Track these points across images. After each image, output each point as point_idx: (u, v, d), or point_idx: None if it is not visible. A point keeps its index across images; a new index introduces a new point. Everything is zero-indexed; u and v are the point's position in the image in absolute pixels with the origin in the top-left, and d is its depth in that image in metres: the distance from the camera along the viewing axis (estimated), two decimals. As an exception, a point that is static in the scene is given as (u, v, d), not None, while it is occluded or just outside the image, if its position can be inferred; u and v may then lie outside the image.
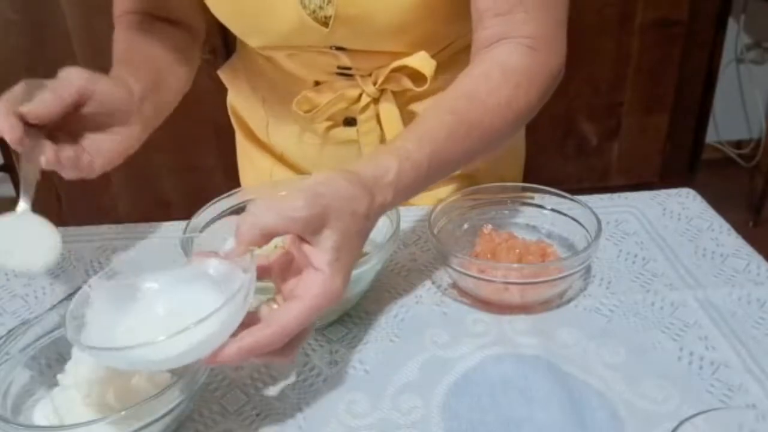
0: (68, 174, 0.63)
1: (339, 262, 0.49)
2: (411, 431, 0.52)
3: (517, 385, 0.55)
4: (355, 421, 0.53)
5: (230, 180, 0.92)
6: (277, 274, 0.52)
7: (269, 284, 0.52)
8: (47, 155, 0.59)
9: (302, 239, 0.49)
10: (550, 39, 0.64)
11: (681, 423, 0.43)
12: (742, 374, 0.56)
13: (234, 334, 0.47)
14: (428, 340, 0.61)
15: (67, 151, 0.61)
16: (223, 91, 0.93)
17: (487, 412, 0.53)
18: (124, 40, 0.75)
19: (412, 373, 0.58)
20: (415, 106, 0.79)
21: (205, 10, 0.76)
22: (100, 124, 0.64)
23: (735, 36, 2.49)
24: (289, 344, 0.49)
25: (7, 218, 0.55)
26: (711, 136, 2.63)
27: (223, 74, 0.90)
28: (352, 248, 0.51)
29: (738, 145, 2.73)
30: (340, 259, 0.49)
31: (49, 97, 0.58)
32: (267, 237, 0.49)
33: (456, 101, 0.61)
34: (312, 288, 0.48)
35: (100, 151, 0.64)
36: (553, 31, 0.65)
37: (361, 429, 0.53)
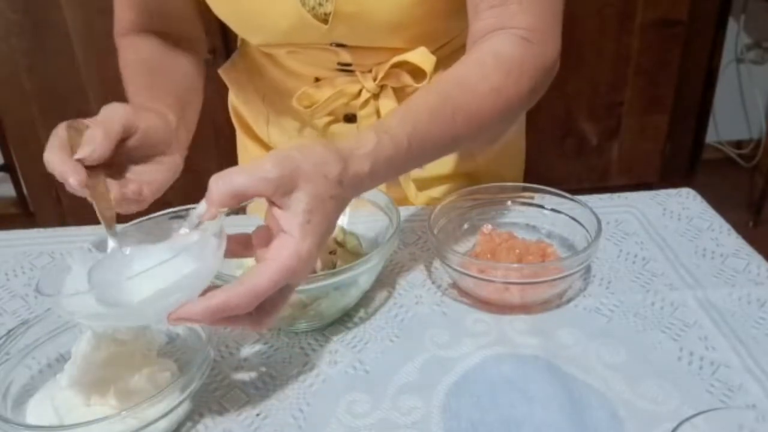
0: (125, 209, 0.62)
1: (310, 225, 0.49)
2: (411, 431, 0.52)
3: (517, 385, 0.55)
4: (355, 421, 0.53)
5: (230, 180, 0.92)
6: (257, 248, 0.52)
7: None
8: (114, 192, 0.59)
9: (273, 203, 0.49)
10: (544, 31, 0.64)
11: (681, 423, 0.43)
12: (742, 374, 0.56)
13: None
14: (428, 340, 0.61)
15: (131, 186, 0.61)
16: (222, 91, 0.93)
17: (487, 412, 0.53)
18: (139, 61, 0.76)
19: (412, 373, 0.58)
20: None
21: (203, 21, 0.76)
22: (145, 155, 0.65)
23: (735, 36, 2.49)
24: (262, 310, 0.49)
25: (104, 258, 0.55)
26: (711, 136, 2.63)
27: (223, 73, 0.90)
28: (326, 212, 0.50)
29: (738, 145, 2.73)
30: (312, 221, 0.49)
31: (99, 136, 0.58)
32: (237, 198, 0.48)
33: (445, 84, 0.61)
34: (282, 250, 0.48)
35: (149, 182, 0.64)
36: (547, 23, 0.65)
37: (361, 429, 0.53)
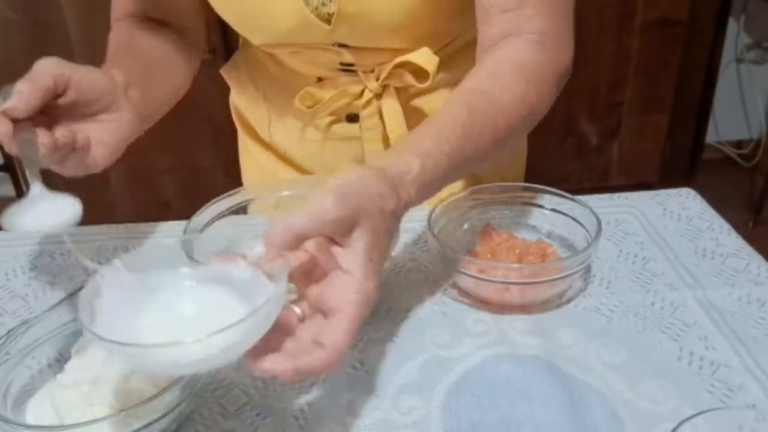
0: (72, 169, 0.61)
1: (372, 263, 0.47)
2: (411, 431, 0.52)
3: (517, 385, 0.55)
4: (355, 421, 0.53)
5: (230, 180, 0.92)
6: (299, 278, 0.48)
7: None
8: (43, 139, 0.57)
9: (333, 241, 0.48)
10: (558, 34, 0.64)
11: (681, 423, 0.43)
12: (742, 374, 0.56)
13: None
14: (428, 340, 0.61)
15: (60, 131, 0.59)
16: (222, 91, 0.93)
17: (487, 412, 0.53)
18: (115, 39, 0.75)
19: (412, 373, 0.58)
20: (418, 102, 0.79)
21: (205, 14, 0.75)
22: (87, 112, 0.63)
23: (735, 36, 2.49)
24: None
25: (27, 199, 0.54)
26: (711, 136, 2.63)
27: (225, 73, 0.90)
28: (382, 248, 0.49)
29: (738, 145, 2.73)
30: (373, 259, 0.47)
31: (25, 88, 0.56)
32: (299, 240, 0.46)
33: (470, 97, 0.61)
34: (348, 294, 0.46)
35: (98, 142, 0.62)
36: (561, 26, 0.64)
37: (361, 429, 0.53)
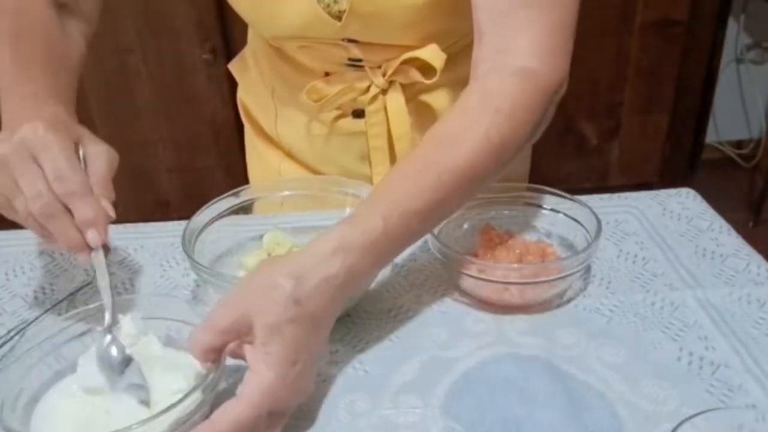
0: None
1: (269, 356, 0.48)
2: (411, 431, 0.52)
3: (517, 385, 0.55)
4: (355, 421, 0.53)
5: (230, 180, 0.92)
6: None
7: None
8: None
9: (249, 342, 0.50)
10: (551, 50, 0.60)
11: (681, 423, 0.43)
12: (742, 374, 0.56)
13: None
14: (428, 340, 0.61)
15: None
16: (223, 91, 0.94)
17: (487, 412, 0.53)
18: (42, 43, 0.68)
19: (412, 373, 0.58)
20: (423, 98, 0.80)
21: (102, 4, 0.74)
22: None
23: (735, 36, 2.49)
24: None
25: None
26: (711, 136, 2.63)
27: (233, 68, 0.91)
28: (285, 339, 0.49)
29: (738, 145, 2.73)
30: (270, 352, 0.48)
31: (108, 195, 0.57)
32: (214, 353, 0.50)
33: (426, 145, 0.58)
34: (246, 387, 0.48)
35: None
36: (554, 41, 0.60)
37: (361, 429, 0.53)
